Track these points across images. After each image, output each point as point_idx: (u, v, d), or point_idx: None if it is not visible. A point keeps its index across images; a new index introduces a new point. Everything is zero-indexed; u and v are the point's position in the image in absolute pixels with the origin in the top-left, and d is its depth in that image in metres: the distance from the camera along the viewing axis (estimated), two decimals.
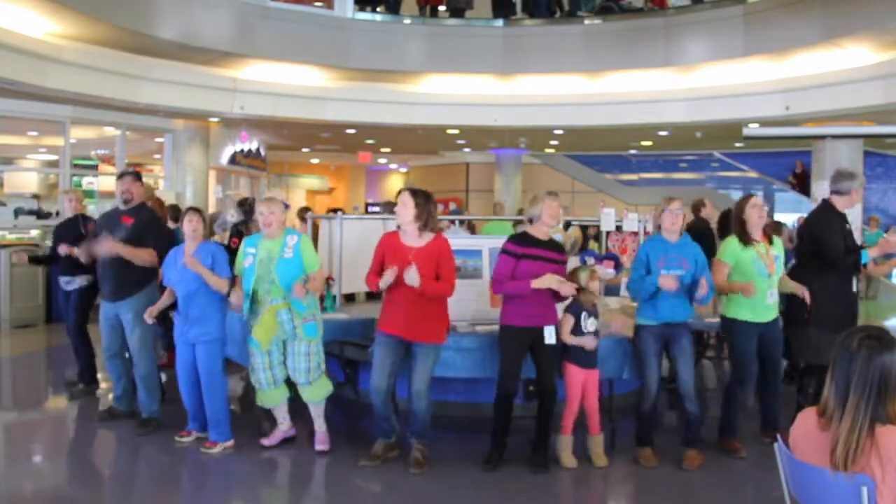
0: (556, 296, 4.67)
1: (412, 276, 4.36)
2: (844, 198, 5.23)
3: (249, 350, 4.96)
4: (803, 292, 5.00)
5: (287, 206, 5.07)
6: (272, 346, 4.89)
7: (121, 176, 5.73)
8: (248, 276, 4.85)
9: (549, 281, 4.51)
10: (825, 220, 5.27)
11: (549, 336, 4.62)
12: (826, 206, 5.36)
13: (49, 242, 11.28)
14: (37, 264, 6.58)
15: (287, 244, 4.82)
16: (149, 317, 5.15)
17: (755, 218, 4.91)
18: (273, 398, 5.03)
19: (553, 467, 4.72)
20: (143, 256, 5.41)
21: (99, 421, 5.71)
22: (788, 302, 5.26)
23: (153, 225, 5.66)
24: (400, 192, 4.68)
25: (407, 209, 4.54)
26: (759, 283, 4.84)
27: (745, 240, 4.91)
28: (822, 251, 5.17)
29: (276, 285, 4.76)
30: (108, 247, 5.32)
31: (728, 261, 4.94)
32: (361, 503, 4.44)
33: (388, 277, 4.45)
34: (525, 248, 4.62)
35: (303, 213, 8.84)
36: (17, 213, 11.70)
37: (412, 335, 4.56)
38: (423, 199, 4.57)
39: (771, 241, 4.99)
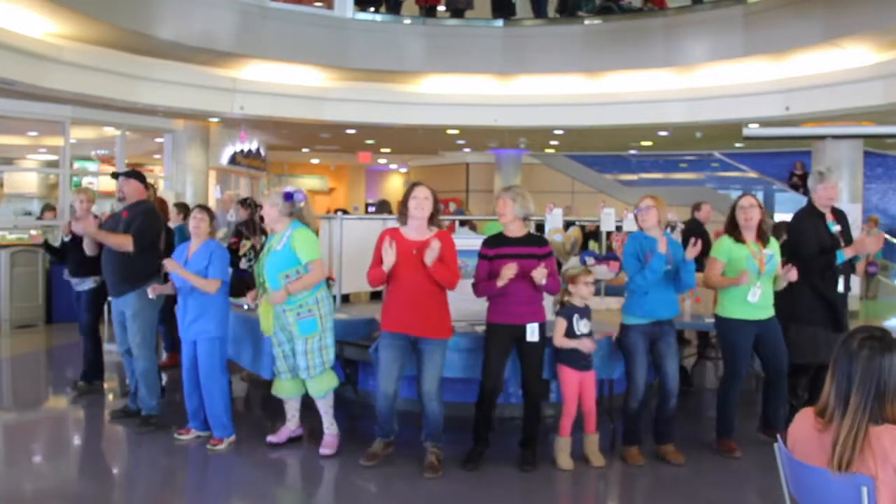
0: (538, 290, 4.60)
1: (434, 249, 4.33)
2: (816, 196, 5.34)
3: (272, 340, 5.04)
4: (788, 271, 4.90)
5: (290, 197, 4.95)
6: (283, 336, 4.90)
7: (114, 176, 5.80)
8: (258, 269, 4.96)
9: (508, 272, 4.44)
10: (798, 221, 5.41)
11: (532, 333, 4.58)
12: (806, 206, 5.48)
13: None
14: (49, 252, 6.91)
15: (283, 237, 4.81)
16: (152, 292, 5.21)
17: (742, 220, 4.94)
18: (287, 389, 5.03)
19: (550, 468, 4.73)
20: (114, 240, 5.41)
21: (112, 420, 5.72)
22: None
23: (140, 214, 5.59)
24: (416, 186, 4.64)
25: (427, 202, 4.55)
26: (750, 280, 4.87)
27: (738, 239, 4.95)
28: (796, 251, 5.25)
29: (266, 281, 4.82)
30: (81, 225, 5.50)
31: (721, 258, 4.96)
32: (361, 502, 4.45)
33: (390, 257, 4.40)
34: (496, 248, 4.65)
35: None
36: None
37: (420, 331, 4.52)
38: (434, 194, 4.63)
39: (765, 242, 4.99)
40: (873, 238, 5.31)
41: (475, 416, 4.75)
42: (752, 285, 4.87)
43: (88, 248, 5.94)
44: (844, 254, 5.18)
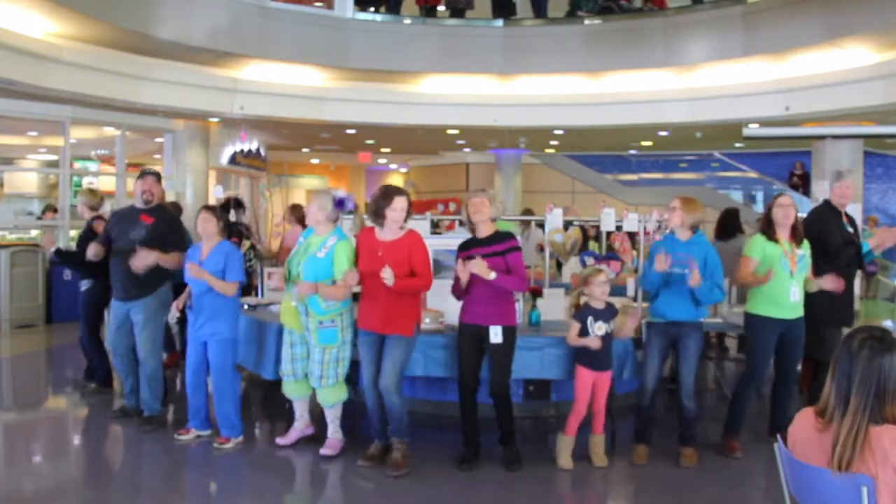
0: (499, 289, 4.61)
1: (387, 276, 4.41)
2: (833, 194, 5.59)
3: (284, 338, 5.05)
4: (837, 284, 5.05)
5: (341, 204, 4.93)
6: (297, 337, 4.92)
7: (142, 175, 5.66)
8: (291, 265, 4.97)
9: (461, 272, 4.56)
10: (819, 219, 5.55)
11: (495, 335, 4.63)
12: (823, 204, 5.66)
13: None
14: (62, 259, 6.45)
15: (326, 244, 4.80)
16: (175, 310, 5.18)
17: (780, 217, 4.96)
18: (295, 390, 5.06)
19: (551, 467, 4.73)
20: (174, 261, 5.40)
21: (112, 419, 5.74)
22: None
23: (175, 225, 5.71)
24: (396, 196, 4.62)
25: (404, 213, 4.62)
26: (782, 280, 4.89)
27: (771, 237, 4.96)
28: (823, 247, 5.31)
29: (300, 278, 4.80)
30: (144, 261, 5.25)
31: (754, 256, 4.98)
32: (361, 502, 4.45)
33: (350, 279, 4.56)
34: (466, 251, 4.74)
35: (296, 211, 7.98)
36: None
37: (381, 328, 4.62)
38: (409, 201, 4.68)
39: (799, 242, 5.01)
40: (894, 230, 5.50)
41: (461, 417, 4.79)
42: (790, 285, 4.90)
43: (92, 253, 5.66)
44: (870, 244, 5.46)
